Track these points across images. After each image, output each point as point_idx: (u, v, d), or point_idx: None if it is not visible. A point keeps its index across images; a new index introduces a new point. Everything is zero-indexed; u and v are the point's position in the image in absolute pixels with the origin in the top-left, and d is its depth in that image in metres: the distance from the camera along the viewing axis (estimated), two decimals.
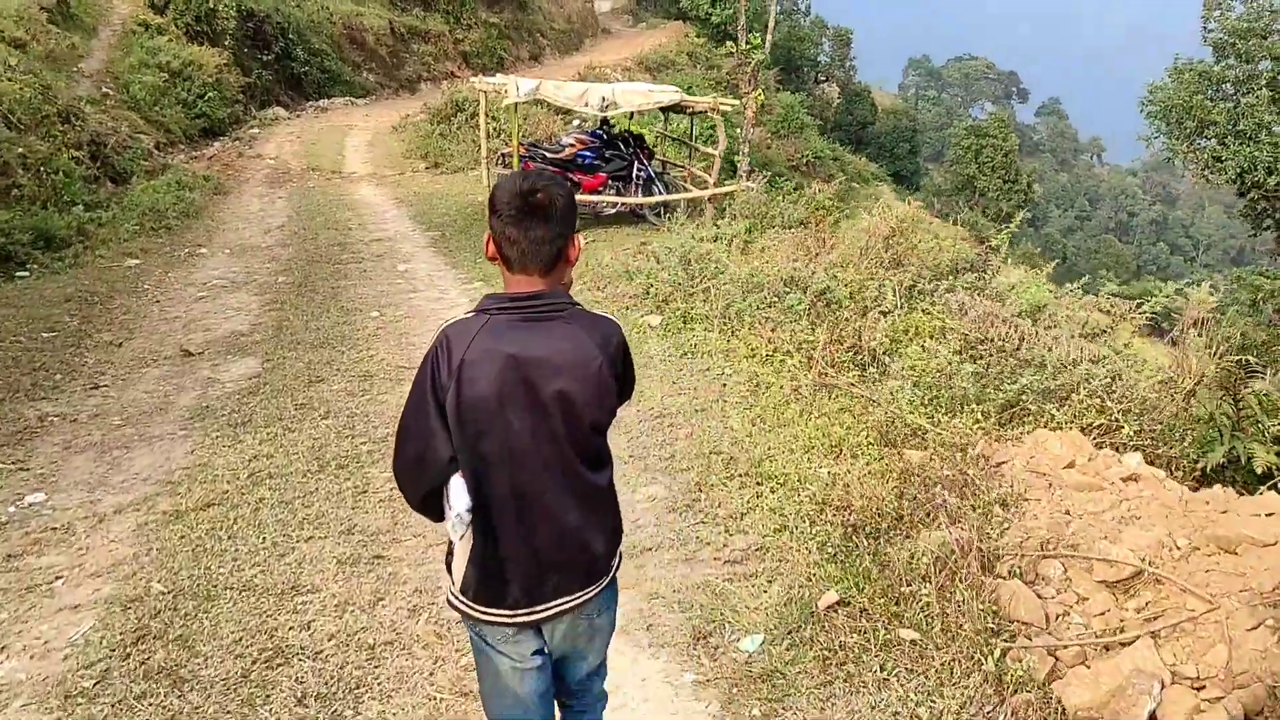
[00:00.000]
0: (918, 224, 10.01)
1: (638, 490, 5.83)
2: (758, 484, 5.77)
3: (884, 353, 7.90)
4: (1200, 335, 6.87)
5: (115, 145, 15.05)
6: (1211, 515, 4.20)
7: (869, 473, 5.72)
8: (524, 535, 2.49)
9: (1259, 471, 5.77)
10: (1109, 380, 6.63)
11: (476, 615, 2.55)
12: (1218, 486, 4.75)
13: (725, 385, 7.56)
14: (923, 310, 8.89)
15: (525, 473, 2.46)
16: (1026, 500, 4.89)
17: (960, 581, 4.08)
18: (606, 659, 2.94)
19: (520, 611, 2.52)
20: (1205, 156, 28.31)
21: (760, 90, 19.26)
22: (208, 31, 21.86)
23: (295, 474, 6.07)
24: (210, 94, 20.16)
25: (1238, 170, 27.05)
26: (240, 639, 4.30)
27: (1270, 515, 3.97)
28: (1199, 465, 6.07)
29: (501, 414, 2.41)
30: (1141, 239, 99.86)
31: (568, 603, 2.57)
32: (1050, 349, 7.45)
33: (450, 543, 2.59)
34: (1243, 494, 6.22)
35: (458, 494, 2.43)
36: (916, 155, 69.62)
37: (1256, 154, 26.55)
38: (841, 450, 6.15)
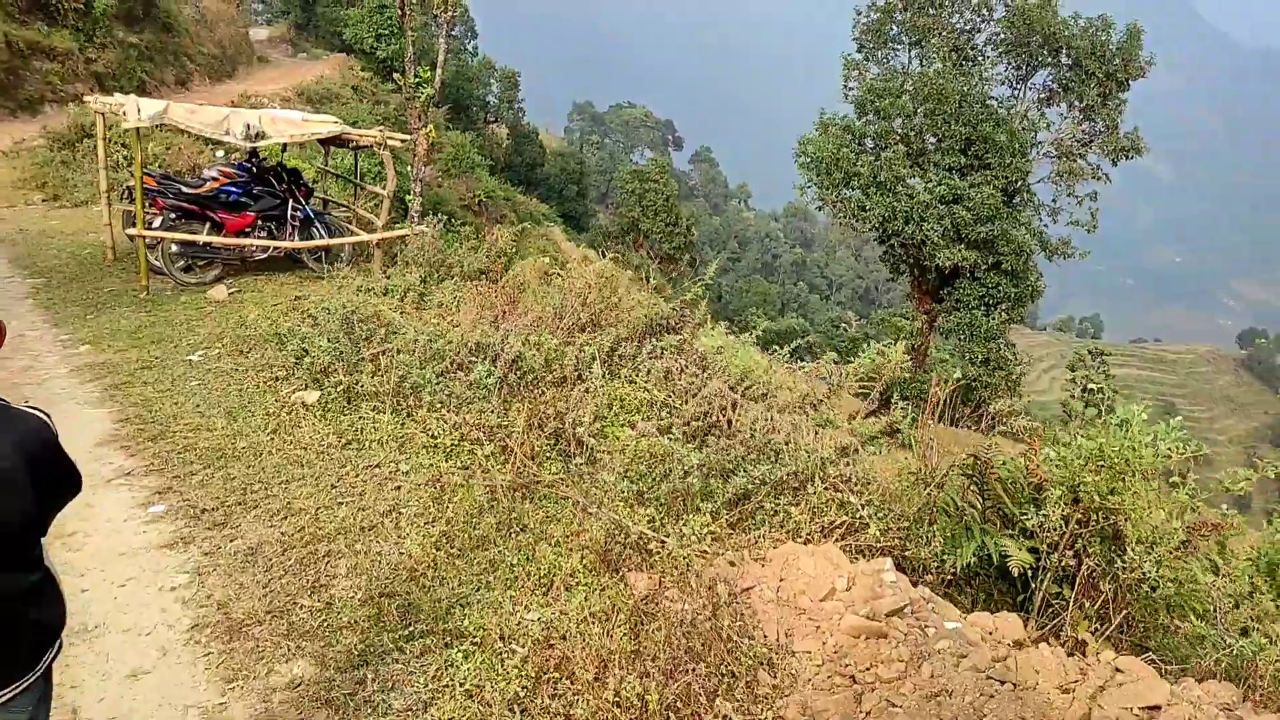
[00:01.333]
0: (615, 280, 9.04)
1: (275, 670, 4.15)
2: (446, 645, 4.29)
3: (589, 434, 6.72)
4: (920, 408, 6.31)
5: None
6: (1050, 697, 3.33)
7: (590, 616, 4.45)
8: None
9: (1015, 573, 5.16)
10: (844, 466, 5.86)
11: None
12: (1044, 650, 3.93)
13: (401, 489, 6.00)
14: (626, 379, 7.86)
15: None
16: (794, 655, 3.84)
17: None
18: None
19: None
20: (851, 206, 30.43)
21: (432, 126, 17.85)
22: None
23: None
24: None
25: (880, 219, 29.27)
26: None
27: (1152, 710, 3.13)
28: (950, 567, 5.40)
29: None
30: (785, 278, 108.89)
31: None
32: (765, 426, 6.64)
33: None
34: (996, 600, 5.65)
35: None
36: (585, 197, 71.32)
37: (895, 204, 28.88)
38: (554, 582, 4.84)
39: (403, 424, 6.99)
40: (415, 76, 17.55)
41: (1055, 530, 5.26)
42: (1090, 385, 42.40)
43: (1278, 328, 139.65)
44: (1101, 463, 5.32)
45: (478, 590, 4.76)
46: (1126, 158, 31.98)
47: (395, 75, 19.54)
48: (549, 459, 6.39)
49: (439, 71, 19.71)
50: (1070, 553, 5.29)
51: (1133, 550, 5.09)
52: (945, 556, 5.48)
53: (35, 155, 19.20)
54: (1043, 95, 33.37)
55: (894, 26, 33.01)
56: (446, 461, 6.34)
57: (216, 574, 4.95)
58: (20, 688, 2.46)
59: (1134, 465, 5.25)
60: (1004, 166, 29.54)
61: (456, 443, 6.53)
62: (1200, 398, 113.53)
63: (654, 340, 8.79)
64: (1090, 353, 45.13)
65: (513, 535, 5.33)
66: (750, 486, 5.86)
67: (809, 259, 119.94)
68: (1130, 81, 31.57)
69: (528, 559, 5.05)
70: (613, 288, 8.74)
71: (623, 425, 7.12)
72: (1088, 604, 5.20)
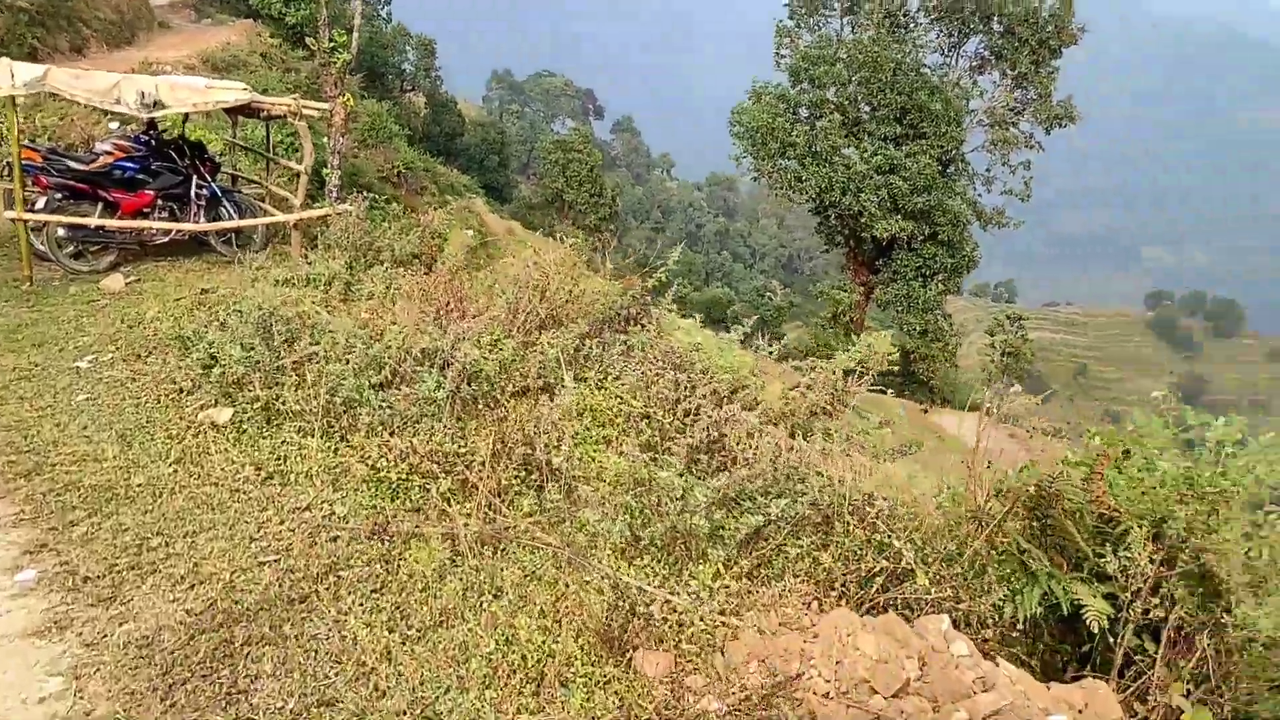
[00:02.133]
0: (577, 269, 7.92)
1: None
2: None
3: (563, 459, 5.64)
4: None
5: None
6: None
7: None
8: None
9: (1094, 629, 4.29)
10: (877, 500, 4.91)
11: None
12: None
13: (338, 541, 4.86)
14: (594, 384, 6.80)
15: None
16: None
17: None
18: None
19: None
20: (788, 176, 29.61)
21: (349, 94, 16.39)
22: None
23: None
24: None
25: (817, 189, 28.54)
26: None
27: None
28: (1009, 619, 4.51)
29: None
30: (709, 248, 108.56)
31: None
32: (773, 445, 5.67)
33: None
34: (1051, 650, 4.79)
35: None
36: (506, 168, 69.52)
37: (832, 175, 28.16)
38: (544, 674, 3.79)
39: (336, 450, 5.83)
40: (330, 41, 16.07)
41: (1140, 574, 4.41)
42: (1009, 350, 42.76)
43: (1183, 290, 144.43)
44: (1190, 492, 4.48)
45: (447, 692, 3.68)
46: (1059, 125, 31.78)
47: (308, 41, 18.01)
48: (519, 494, 5.31)
49: (355, 35, 18.28)
50: (1154, 599, 4.45)
51: (1237, 598, 4.28)
52: (1003, 607, 4.60)
53: None
54: (975, 63, 32.98)
55: None
56: (393, 501, 5.21)
57: (100, 676, 3.76)
58: None
59: (1230, 496, 4.43)
60: (939, 135, 29.04)
61: (404, 476, 5.38)
62: (1112, 359, 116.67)
63: (618, 335, 7.75)
64: (1009, 318, 45.47)
65: (484, 605, 4.25)
66: (764, 524, 4.89)
67: (732, 228, 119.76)
68: (1063, 49, 31.29)
69: (507, 640, 3.99)
70: (575, 277, 7.64)
71: (596, 443, 6.09)
72: (1181, 662, 4.37)
